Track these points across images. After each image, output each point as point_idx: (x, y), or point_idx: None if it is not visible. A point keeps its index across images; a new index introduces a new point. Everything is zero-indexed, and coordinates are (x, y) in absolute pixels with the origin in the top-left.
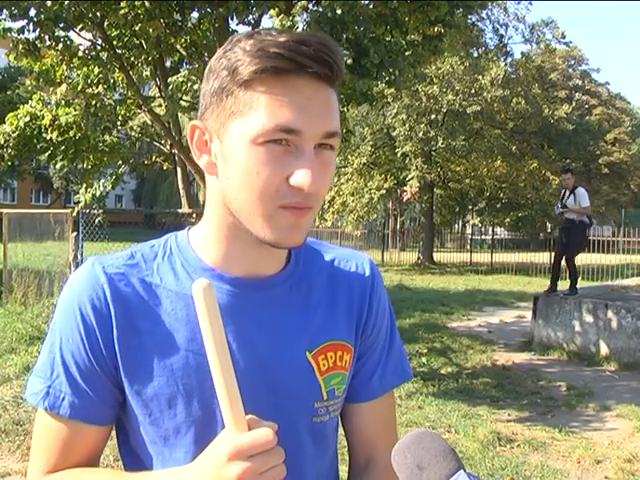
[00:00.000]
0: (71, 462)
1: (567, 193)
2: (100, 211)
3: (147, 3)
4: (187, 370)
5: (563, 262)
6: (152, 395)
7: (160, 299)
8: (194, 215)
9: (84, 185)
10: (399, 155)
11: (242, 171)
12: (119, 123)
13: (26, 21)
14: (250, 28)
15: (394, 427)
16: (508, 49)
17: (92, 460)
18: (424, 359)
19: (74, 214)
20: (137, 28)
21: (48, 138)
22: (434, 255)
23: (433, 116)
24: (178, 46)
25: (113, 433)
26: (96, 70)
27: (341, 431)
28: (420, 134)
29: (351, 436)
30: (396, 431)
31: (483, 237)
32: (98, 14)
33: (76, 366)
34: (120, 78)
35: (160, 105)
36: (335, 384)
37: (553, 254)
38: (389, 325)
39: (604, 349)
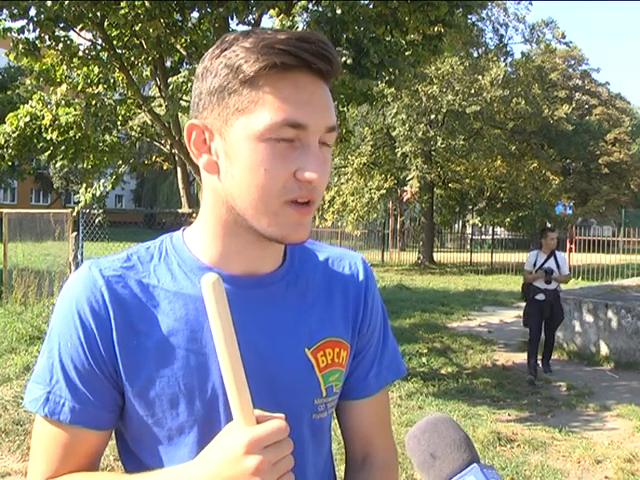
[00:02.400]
0: (72, 467)
1: (543, 256)
2: (100, 211)
3: (147, 3)
4: (188, 370)
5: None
6: (154, 396)
7: (158, 300)
8: (194, 215)
9: (84, 185)
10: (399, 155)
11: (248, 168)
12: (119, 123)
13: (26, 21)
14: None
15: (389, 423)
16: (508, 49)
17: (92, 464)
18: (424, 359)
19: (74, 214)
20: (137, 28)
21: (48, 138)
22: (434, 255)
23: (433, 116)
24: (178, 46)
25: (113, 434)
26: (96, 70)
27: (339, 430)
28: (420, 134)
29: (348, 433)
30: (391, 427)
31: (483, 237)
32: (98, 14)
33: (75, 370)
34: (120, 78)
35: (160, 105)
36: (333, 381)
37: (532, 334)
38: (382, 322)
39: (604, 349)
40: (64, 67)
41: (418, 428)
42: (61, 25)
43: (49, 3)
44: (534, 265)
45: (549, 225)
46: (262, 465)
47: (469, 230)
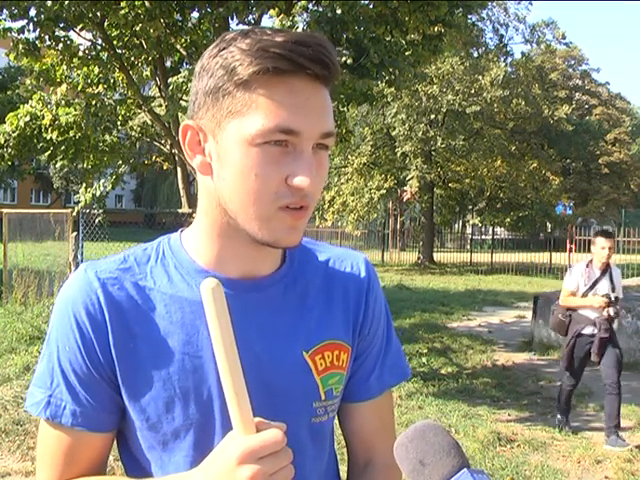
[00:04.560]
0: (77, 471)
1: (595, 272)
2: (100, 211)
3: (147, 3)
4: (184, 373)
5: None
6: (149, 399)
7: (154, 303)
8: (194, 215)
9: (84, 185)
10: (399, 155)
11: (239, 172)
12: (119, 123)
13: (26, 21)
14: None
15: (393, 427)
16: (508, 49)
17: (98, 468)
18: (424, 359)
19: (74, 214)
20: (137, 28)
21: (48, 138)
22: (434, 255)
23: (433, 116)
24: (178, 46)
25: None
26: (96, 70)
27: (340, 432)
28: (420, 134)
29: (349, 436)
30: (394, 431)
31: (483, 237)
32: (98, 14)
33: (74, 374)
34: (120, 78)
35: (160, 105)
36: (333, 384)
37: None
38: (386, 324)
39: None
40: (64, 67)
41: (405, 436)
42: (61, 25)
43: (49, 3)
44: (586, 283)
45: (604, 227)
46: (257, 476)
47: (469, 230)
